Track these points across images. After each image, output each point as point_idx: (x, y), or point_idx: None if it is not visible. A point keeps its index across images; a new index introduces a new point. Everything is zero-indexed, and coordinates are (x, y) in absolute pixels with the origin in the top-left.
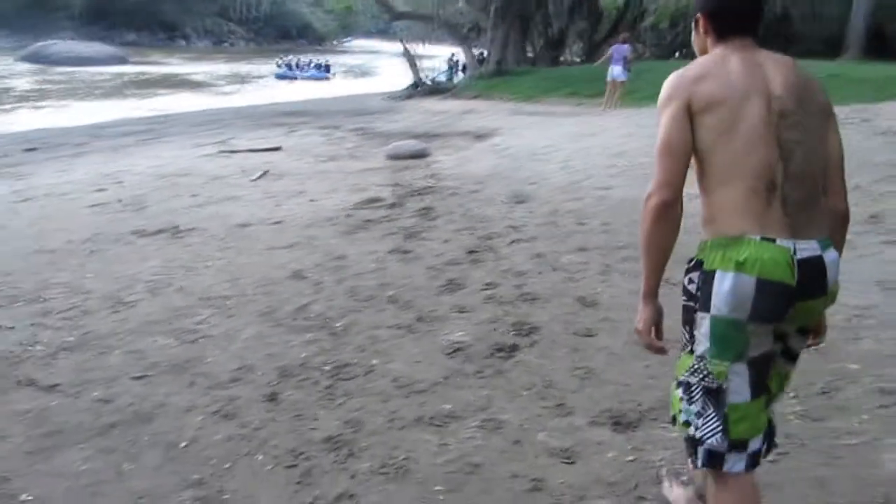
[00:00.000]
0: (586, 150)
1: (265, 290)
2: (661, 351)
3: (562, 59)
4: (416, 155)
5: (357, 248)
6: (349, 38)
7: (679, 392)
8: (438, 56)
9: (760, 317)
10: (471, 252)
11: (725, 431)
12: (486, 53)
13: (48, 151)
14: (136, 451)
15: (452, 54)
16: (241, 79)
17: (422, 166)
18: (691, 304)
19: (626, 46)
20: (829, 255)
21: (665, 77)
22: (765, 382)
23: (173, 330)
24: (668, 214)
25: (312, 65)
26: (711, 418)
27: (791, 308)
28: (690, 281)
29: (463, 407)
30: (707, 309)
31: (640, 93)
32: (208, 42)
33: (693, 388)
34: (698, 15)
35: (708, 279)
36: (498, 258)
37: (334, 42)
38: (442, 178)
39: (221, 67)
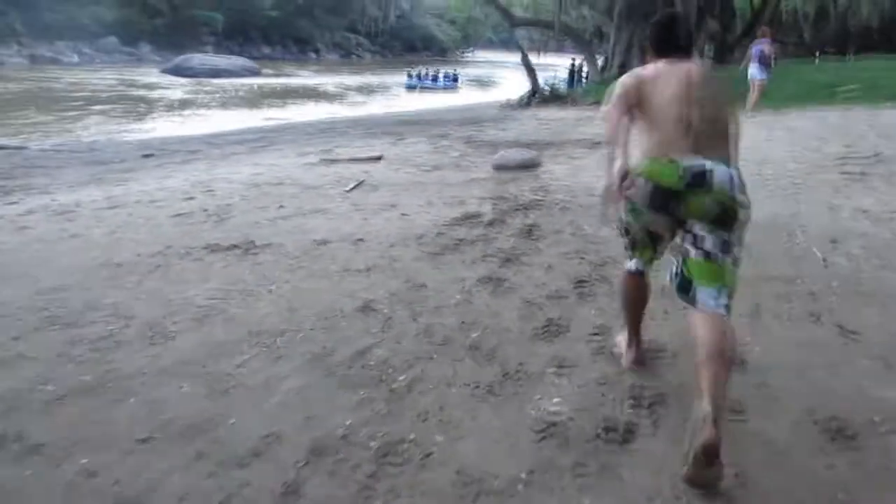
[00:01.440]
0: None
1: (326, 324)
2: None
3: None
4: (525, 165)
5: (442, 275)
6: (471, 49)
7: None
8: (559, 65)
9: (653, 198)
10: (579, 283)
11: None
12: (611, 57)
13: (162, 158)
14: None
15: (573, 60)
16: (370, 89)
17: (530, 178)
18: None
19: (765, 42)
20: (718, 168)
21: (806, 77)
22: (647, 247)
23: (205, 374)
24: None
25: (442, 75)
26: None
27: (680, 202)
28: (627, 186)
29: None
30: (628, 196)
31: (779, 93)
32: (337, 55)
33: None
34: (646, 44)
35: (632, 181)
36: (613, 292)
37: (457, 53)
38: (552, 190)
39: (350, 79)
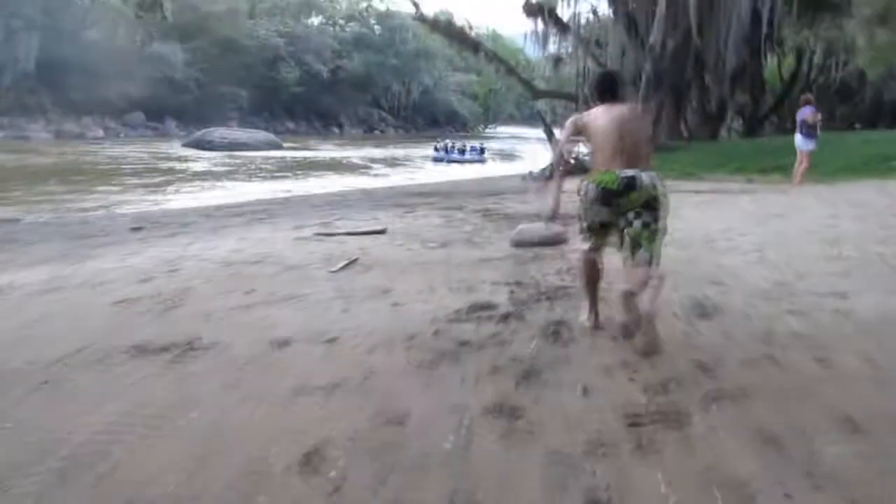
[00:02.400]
0: (782, 235)
1: (242, 492)
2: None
3: (721, 135)
4: (549, 242)
5: (433, 399)
6: (493, 125)
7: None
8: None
9: (597, 202)
10: (634, 423)
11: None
12: None
13: (151, 231)
14: None
15: None
16: (392, 162)
17: (555, 257)
18: (580, 195)
19: (808, 110)
20: (641, 175)
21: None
22: (599, 235)
23: None
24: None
25: (469, 148)
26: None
27: (619, 199)
28: (581, 190)
29: None
30: (582, 198)
31: (830, 164)
32: (360, 129)
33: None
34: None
35: (586, 187)
36: (687, 442)
37: (479, 128)
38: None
39: (371, 152)
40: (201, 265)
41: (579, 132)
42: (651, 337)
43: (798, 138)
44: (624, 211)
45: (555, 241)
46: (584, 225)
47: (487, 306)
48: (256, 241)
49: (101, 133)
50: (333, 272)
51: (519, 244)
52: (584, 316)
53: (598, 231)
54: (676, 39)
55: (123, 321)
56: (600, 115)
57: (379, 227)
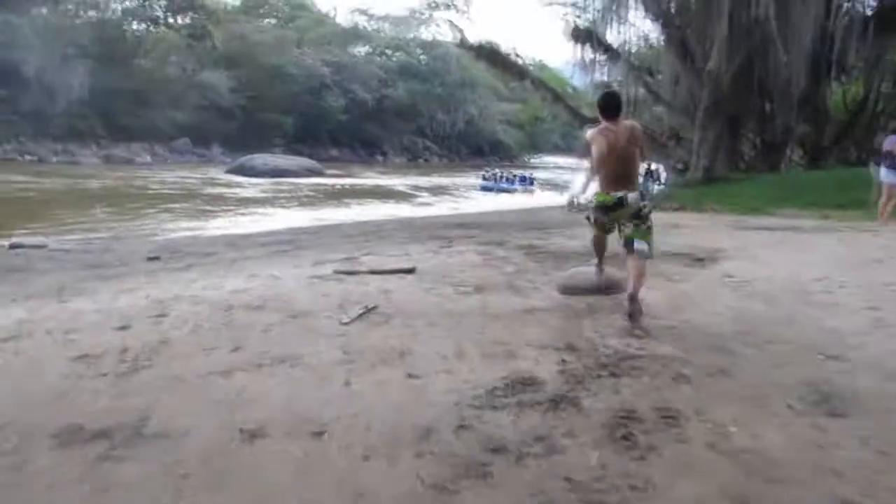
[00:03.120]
0: (891, 288)
1: None
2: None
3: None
4: (604, 289)
5: None
6: (538, 154)
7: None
8: None
9: (601, 210)
10: None
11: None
12: (694, 159)
13: (169, 262)
14: None
15: (648, 163)
16: (438, 191)
17: (614, 310)
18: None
19: (894, 139)
20: (630, 195)
21: None
22: (603, 228)
23: None
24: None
25: (518, 177)
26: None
27: (613, 212)
28: (591, 203)
29: None
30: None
31: None
32: (404, 158)
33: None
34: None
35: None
36: None
37: (524, 158)
38: (653, 332)
39: (414, 180)
40: (196, 309)
41: (588, 146)
42: (636, 307)
43: (882, 171)
44: (617, 219)
45: (611, 289)
46: (593, 220)
47: (531, 382)
48: (267, 279)
49: (148, 158)
50: (345, 324)
51: (568, 291)
52: (593, 264)
53: (602, 227)
54: (737, 64)
55: (71, 387)
56: (601, 139)
57: (407, 266)
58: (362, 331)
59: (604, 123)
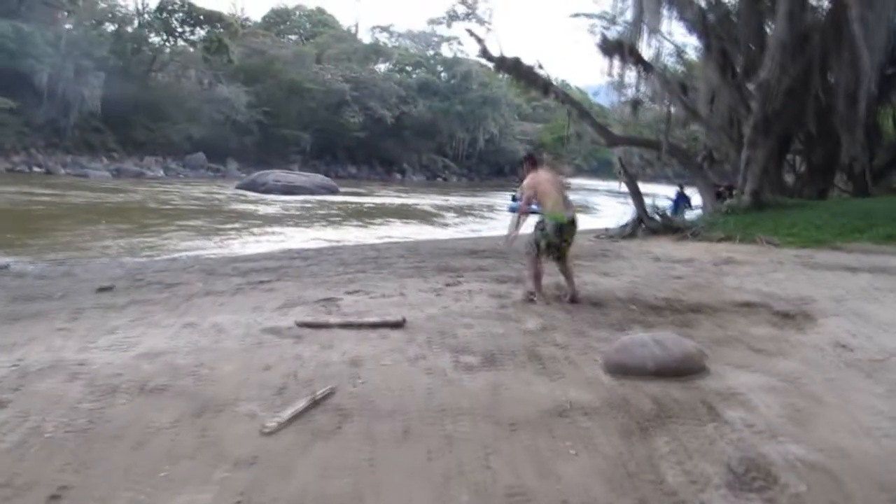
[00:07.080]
0: None
1: None
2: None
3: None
4: (675, 371)
5: None
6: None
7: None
8: (658, 193)
9: (555, 233)
10: None
11: (538, 252)
12: (740, 182)
13: (119, 293)
14: None
15: (680, 186)
16: (461, 211)
17: (699, 409)
18: (539, 228)
19: None
20: (574, 216)
21: None
22: (549, 251)
23: None
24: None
25: None
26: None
27: (565, 232)
28: (539, 225)
29: None
30: (542, 230)
31: None
32: (423, 177)
33: (534, 245)
34: (525, 161)
35: (544, 223)
36: None
37: None
38: (773, 466)
39: (432, 199)
40: (62, 391)
41: (534, 189)
42: (575, 292)
43: None
44: (564, 238)
45: (686, 371)
46: (543, 245)
47: None
48: (205, 333)
49: (160, 173)
50: (268, 434)
51: (620, 371)
52: (530, 287)
53: (546, 250)
54: (791, 76)
55: None
56: (543, 178)
57: (394, 319)
58: (290, 450)
59: (536, 171)
